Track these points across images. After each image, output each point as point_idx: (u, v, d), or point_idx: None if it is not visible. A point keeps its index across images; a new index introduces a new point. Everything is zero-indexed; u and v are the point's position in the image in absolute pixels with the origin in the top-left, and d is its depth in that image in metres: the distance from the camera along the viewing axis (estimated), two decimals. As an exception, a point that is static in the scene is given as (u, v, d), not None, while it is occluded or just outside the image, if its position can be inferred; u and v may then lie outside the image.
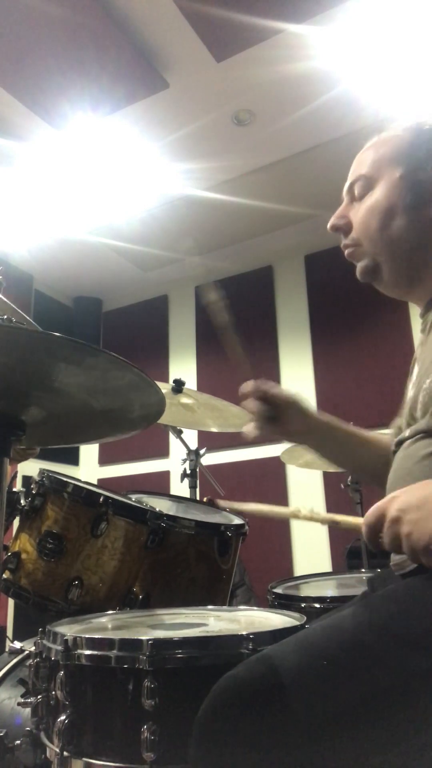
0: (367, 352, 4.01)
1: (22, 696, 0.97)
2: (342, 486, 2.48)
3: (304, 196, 3.87)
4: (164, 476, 4.42)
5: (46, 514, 1.35)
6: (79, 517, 1.33)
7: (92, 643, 0.83)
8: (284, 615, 1.05)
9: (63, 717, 0.80)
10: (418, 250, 0.97)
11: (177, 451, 4.12)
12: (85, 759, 0.79)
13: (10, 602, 3.76)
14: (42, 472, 1.40)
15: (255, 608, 1.25)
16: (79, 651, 0.83)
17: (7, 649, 1.36)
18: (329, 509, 3.83)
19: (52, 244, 4.34)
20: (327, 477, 3.86)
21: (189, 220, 4.17)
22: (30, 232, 4.18)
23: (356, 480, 2.44)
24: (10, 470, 1.08)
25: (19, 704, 0.96)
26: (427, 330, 0.99)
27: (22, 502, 1.39)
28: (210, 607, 1.27)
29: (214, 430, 2.23)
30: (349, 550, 3.21)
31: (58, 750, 0.80)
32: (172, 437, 2.33)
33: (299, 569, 3.84)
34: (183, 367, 4.71)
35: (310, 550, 3.87)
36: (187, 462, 2.25)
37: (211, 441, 3.17)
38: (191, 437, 3.44)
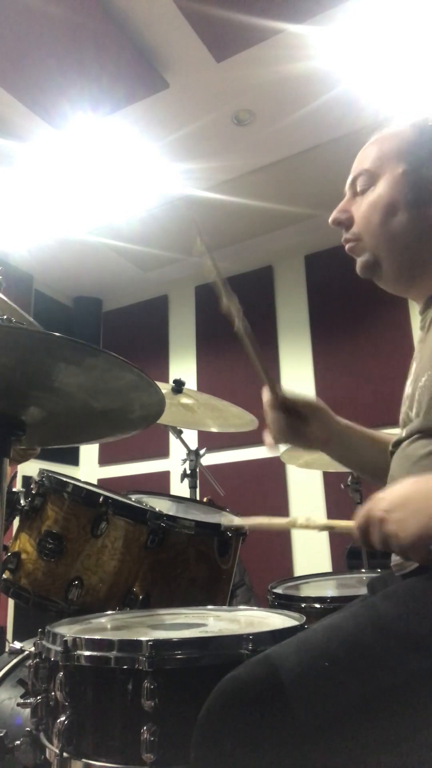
0: (367, 352, 4.01)
1: (21, 696, 0.96)
2: (342, 486, 2.48)
3: (304, 196, 3.87)
4: (164, 476, 4.41)
5: (46, 514, 1.35)
6: (79, 517, 1.33)
7: (92, 644, 0.83)
8: (284, 615, 1.05)
9: (63, 718, 0.80)
10: (418, 247, 0.96)
11: (177, 451, 4.12)
12: (84, 760, 0.79)
13: (10, 602, 3.76)
14: (42, 472, 1.40)
15: (255, 608, 1.25)
16: (79, 652, 0.83)
17: (7, 650, 1.36)
18: (329, 509, 3.83)
19: (52, 244, 4.34)
20: (327, 477, 3.86)
21: (189, 220, 4.17)
22: (30, 232, 4.18)
23: (356, 480, 2.44)
24: (10, 470, 1.08)
25: (18, 705, 0.96)
26: (427, 327, 0.99)
27: (22, 502, 1.39)
28: (210, 607, 1.27)
29: (214, 430, 2.23)
30: (349, 551, 3.21)
31: (57, 751, 0.80)
32: (172, 437, 2.33)
33: (299, 569, 3.84)
34: (183, 367, 4.71)
35: (310, 550, 3.87)
36: (187, 462, 2.25)
37: (211, 441, 3.17)
38: (191, 437, 3.44)
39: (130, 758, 0.76)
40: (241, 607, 1.55)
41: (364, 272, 1.02)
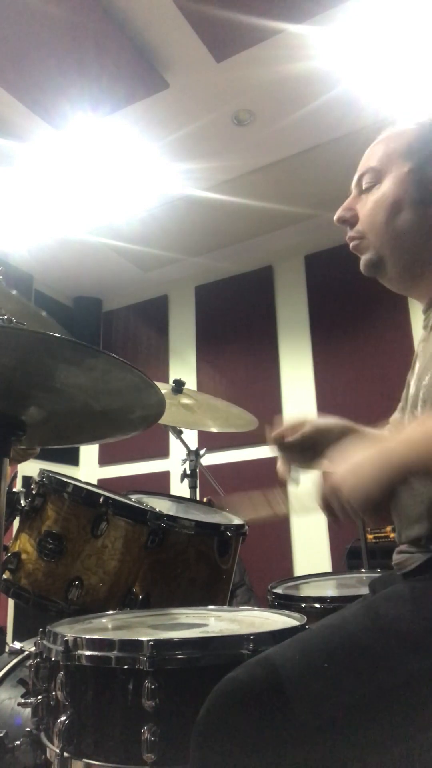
0: (367, 352, 4.01)
1: (22, 696, 0.96)
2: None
3: (304, 196, 3.87)
4: (164, 476, 4.41)
5: (46, 515, 1.35)
6: (79, 517, 1.33)
7: (92, 644, 0.83)
8: (284, 615, 1.05)
9: (63, 717, 0.80)
10: (422, 246, 0.96)
11: (177, 451, 4.12)
12: (85, 760, 0.79)
13: (10, 602, 3.76)
14: (42, 472, 1.40)
15: (255, 608, 1.25)
16: (80, 652, 0.83)
17: (7, 650, 1.36)
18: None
19: (52, 244, 4.34)
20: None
21: (189, 220, 4.17)
22: (30, 232, 4.18)
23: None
24: (10, 470, 1.08)
25: (19, 704, 0.96)
26: (429, 326, 0.99)
27: (22, 502, 1.39)
28: (210, 607, 1.27)
29: (214, 430, 2.23)
30: (349, 550, 3.21)
31: (58, 750, 0.80)
32: (172, 437, 2.33)
33: (299, 569, 3.84)
34: (183, 367, 4.71)
35: (310, 550, 3.87)
36: (187, 462, 2.25)
37: (211, 441, 3.17)
38: (191, 437, 3.44)
39: (130, 758, 0.76)
40: (242, 607, 1.55)
41: (367, 270, 1.02)
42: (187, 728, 0.69)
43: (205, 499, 2.38)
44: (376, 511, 0.76)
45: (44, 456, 3.48)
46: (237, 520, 1.59)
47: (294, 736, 0.65)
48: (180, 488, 2.23)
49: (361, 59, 2.82)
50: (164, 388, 2.17)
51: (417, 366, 1.00)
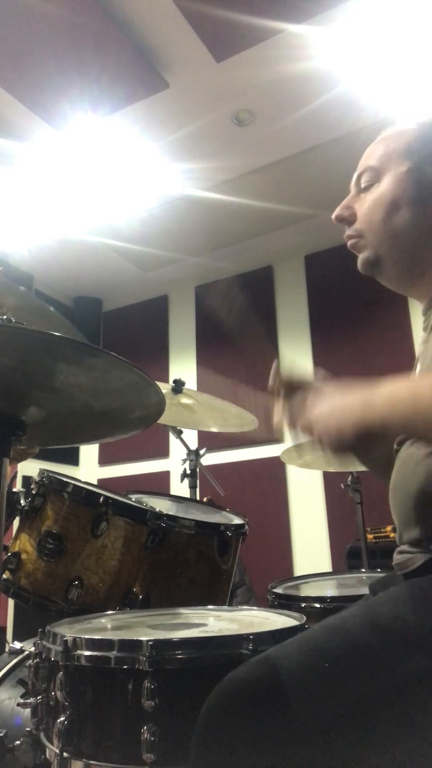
0: (367, 352, 4.01)
1: (21, 696, 0.96)
2: (342, 486, 2.48)
3: (304, 196, 3.87)
4: (164, 476, 4.41)
5: (46, 514, 1.35)
6: (79, 517, 1.33)
7: (92, 644, 0.83)
8: (284, 615, 1.05)
9: (63, 718, 0.80)
10: (420, 245, 0.96)
11: (177, 451, 4.12)
12: (84, 760, 0.79)
13: (10, 602, 3.76)
14: (42, 472, 1.40)
15: (255, 608, 1.25)
16: (79, 652, 0.83)
17: (7, 650, 1.36)
18: (329, 509, 3.83)
19: (52, 244, 4.34)
20: (327, 477, 3.86)
21: (189, 220, 4.17)
22: (30, 232, 4.18)
23: (356, 480, 2.44)
24: (10, 470, 1.08)
25: (18, 705, 0.96)
26: (429, 328, 0.99)
27: (22, 502, 1.39)
28: (210, 607, 1.27)
29: (214, 430, 2.23)
30: (349, 550, 3.21)
31: (57, 751, 0.80)
32: (172, 437, 2.33)
33: (299, 569, 3.84)
34: (183, 367, 4.71)
35: (310, 550, 3.87)
36: (187, 462, 2.25)
37: (211, 441, 3.17)
38: (191, 437, 3.44)
39: (130, 758, 0.76)
40: (241, 607, 1.55)
41: (365, 269, 1.02)
42: (186, 728, 0.69)
43: (205, 499, 2.38)
44: (343, 452, 0.81)
45: (44, 456, 3.48)
46: (237, 520, 1.59)
47: (294, 735, 0.65)
48: (180, 488, 2.23)
49: (361, 59, 2.82)
50: (164, 388, 2.17)
51: (417, 368, 1.00)
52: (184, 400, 2.22)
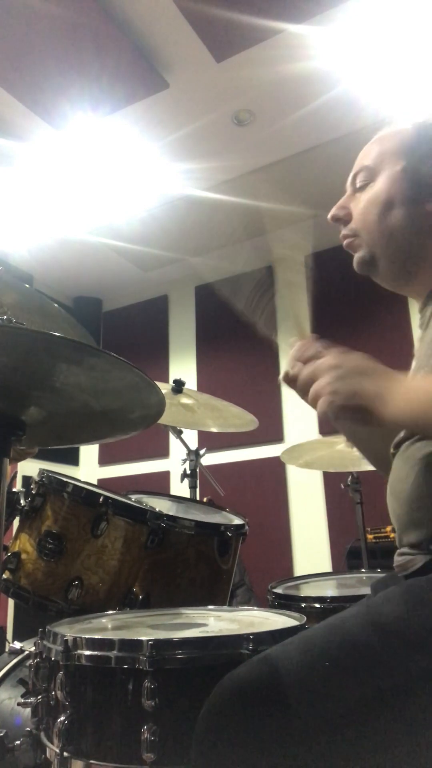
0: (367, 352, 3.99)
1: (22, 696, 0.97)
2: (342, 486, 2.48)
3: (304, 196, 3.87)
4: (164, 476, 4.41)
5: (46, 514, 1.35)
6: (79, 517, 1.33)
7: (92, 644, 0.83)
8: (284, 615, 1.05)
9: (63, 717, 0.80)
10: (415, 244, 0.96)
11: (177, 451, 4.12)
12: (84, 759, 0.79)
13: (10, 602, 3.76)
14: (42, 472, 1.40)
15: (255, 608, 1.25)
16: (79, 651, 0.83)
17: (7, 649, 1.36)
18: (329, 509, 3.83)
19: (52, 244, 4.34)
20: (327, 477, 3.86)
21: (189, 220, 4.17)
22: (30, 232, 4.18)
23: (356, 480, 2.44)
24: (10, 470, 1.08)
25: (19, 704, 0.96)
26: (425, 325, 0.99)
27: (22, 502, 1.39)
28: (210, 607, 1.27)
29: (214, 430, 2.23)
30: (349, 550, 3.21)
31: (57, 750, 0.80)
32: (172, 437, 2.33)
33: (299, 569, 3.84)
34: (183, 367, 4.71)
35: (310, 550, 3.87)
36: (187, 462, 2.25)
37: (211, 441, 3.17)
38: (191, 437, 3.44)
39: (130, 758, 0.76)
40: (242, 607, 1.55)
41: (360, 268, 1.02)
42: (186, 728, 0.69)
43: (205, 499, 2.38)
44: (336, 421, 0.79)
45: (44, 456, 3.48)
46: (237, 520, 1.59)
47: (295, 735, 0.65)
48: (180, 488, 2.23)
49: (361, 59, 2.82)
50: (164, 388, 2.17)
51: (414, 365, 1.00)
52: (184, 400, 2.22)
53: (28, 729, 0.91)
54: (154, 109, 3.12)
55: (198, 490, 2.27)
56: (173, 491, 3.49)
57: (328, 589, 1.64)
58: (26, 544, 1.35)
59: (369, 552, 2.52)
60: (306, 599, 1.38)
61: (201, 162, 3.55)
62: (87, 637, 0.84)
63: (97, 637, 0.86)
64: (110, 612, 1.20)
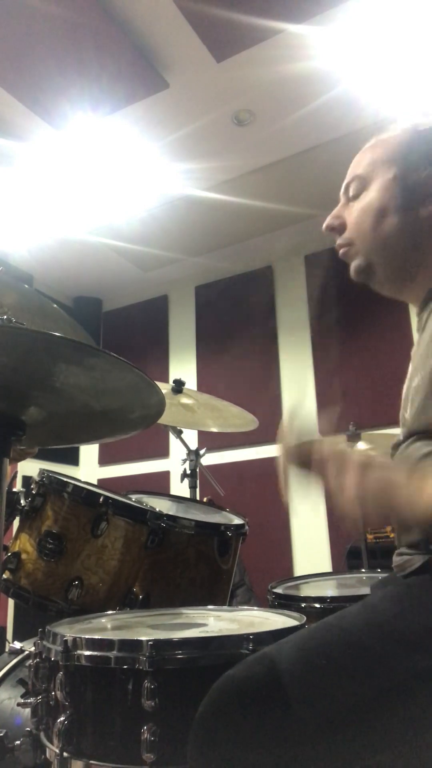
0: (367, 352, 4.01)
1: (22, 696, 0.97)
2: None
3: (304, 196, 3.87)
4: (164, 476, 4.41)
5: (46, 514, 1.35)
6: (79, 517, 1.33)
7: (92, 644, 0.83)
8: (284, 615, 1.05)
9: (63, 717, 0.80)
10: (410, 250, 0.97)
11: (177, 451, 4.12)
12: (84, 760, 0.79)
13: (10, 602, 3.76)
14: (42, 472, 1.40)
15: (255, 608, 1.25)
16: (79, 652, 0.83)
17: (7, 650, 1.36)
18: (329, 509, 3.82)
19: (52, 244, 4.34)
20: (327, 477, 3.85)
21: (189, 220, 4.17)
22: (30, 232, 4.18)
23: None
24: (10, 470, 1.08)
25: (19, 704, 0.97)
26: (422, 328, 0.99)
27: (22, 502, 1.39)
28: (210, 607, 1.27)
29: (214, 430, 2.23)
30: (349, 550, 3.21)
31: (57, 750, 0.80)
32: (172, 437, 2.33)
33: (299, 569, 3.84)
34: (183, 367, 4.71)
35: (310, 550, 3.87)
36: (187, 462, 2.25)
37: (211, 441, 3.17)
38: (191, 437, 3.44)
39: (130, 758, 0.76)
40: (241, 607, 1.55)
41: (357, 276, 1.04)
42: (186, 728, 0.69)
43: (205, 499, 2.38)
44: (365, 522, 0.75)
45: (44, 456, 3.48)
46: (237, 520, 1.59)
47: (292, 734, 0.65)
48: (180, 488, 2.23)
49: (361, 59, 2.82)
50: (164, 388, 2.17)
51: (410, 369, 1.00)
52: (184, 400, 2.22)
53: (28, 729, 0.91)
54: (154, 109, 3.12)
55: (198, 490, 2.27)
56: (173, 491, 3.49)
57: (328, 589, 1.64)
58: (26, 544, 1.35)
59: (369, 552, 2.52)
60: (306, 599, 1.38)
61: (201, 162, 3.55)
62: (87, 637, 0.84)
63: (96, 637, 0.86)
64: (110, 612, 1.20)
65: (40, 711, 0.88)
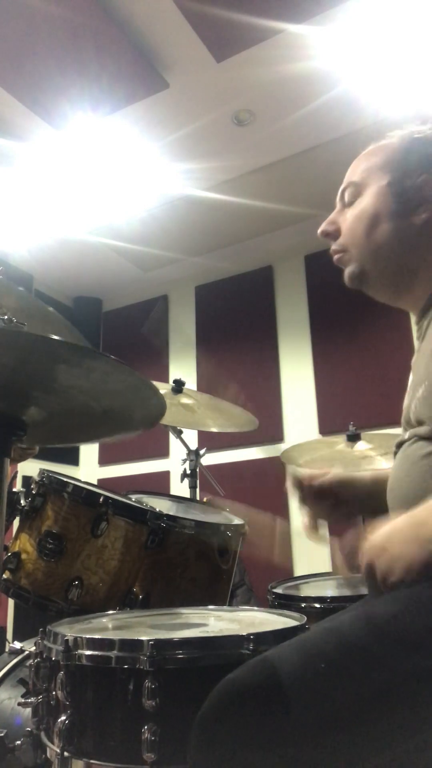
0: (367, 353, 4.01)
1: (22, 696, 0.97)
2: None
3: (304, 196, 3.87)
4: (164, 476, 4.41)
5: (46, 514, 1.35)
6: (79, 517, 1.33)
7: (92, 644, 0.83)
8: (284, 615, 1.05)
9: (63, 717, 0.80)
10: (403, 257, 0.97)
11: (177, 451, 4.12)
12: (85, 759, 0.79)
13: (10, 602, 3.76)
14: (42, 472, 1.41)
15: (255, 608, 1.25)
16: (80, 651, 0.83)
17: (7, 649, 1.36)
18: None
19: (52, 244, 4.34)
20: (327, 477, 3.85)
21: (189, 220, 4.17)
22: (30, 232, 4.18)
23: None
24: (10, 470, 1.08)
25: (19, 704, 0.97)
26: (422, 337, 1.00)
27: (22, 502, 1.39)
28: (210, 607, 1.27)
29: (214, 430, 2.24)
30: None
31: (58, 750, 0.80)
32: (172, 437, 2.33)
33: (299, 569, 3.84)
34: (183, 367, 4.71)
35: (310, 550, 3.87)
36: (187, 462, 2.25)
37: (211, 441, 3.17)
38: (191, 437, 3.44)
39: (130, 758, 0.76)
40: (242, 607, 1.55)
41: (351, 282, 1.04)
42: (187, 728, 0.69)
43: (205, 499, 2.38)
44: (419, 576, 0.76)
45: (44, 456, 3.48)
46: (237, 520, 1.59)
47: (293, 736, 0.65)
48: (180, 488, 2.23)
49: (361, 59, 2.82)
50: (164, 388, 2.17)
51: (411, 378, 1.01)
52: (184, 400, 2.22)
53: (29, 729, 0.91)
54: (154, 109, 3.12)
55: (198, 490, 2.27)
56: (173, 491, 3.49)
57: (328, 589, 1.65)
58: (26, 544, 1.35)
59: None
60: (306, 599, 1.38)
61: (201, 162, 3.55)
62: (87, 637, 0.84)
63: (97, 637, 0.86)
64: (110, 612, 1.20)
65: (41, 711, 0.89)
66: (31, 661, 0.92)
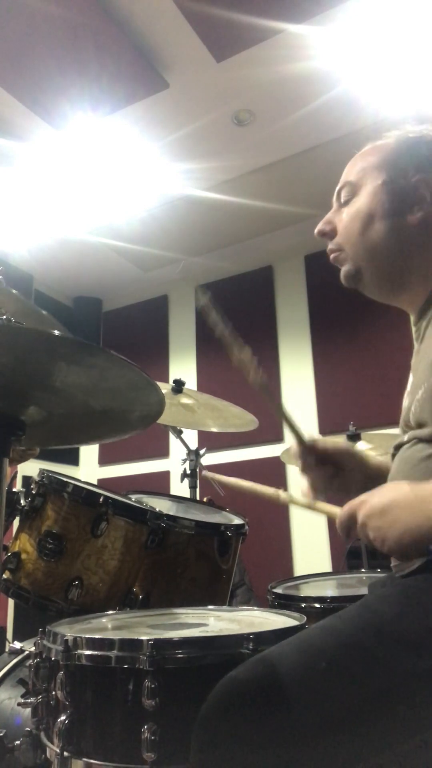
0: (367, 352, 4.01)
1: (22, 696, 0.97)
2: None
3: (304, 196, 3.87)
4: (164, 476, 4.41)
5: (46, 514, 1.35)
6: (79, 517, 1.33)
7: (92, 644, 0.83)
8: (284, 615, 1.05)
9: (63, 717, 0.80)
10: (398, 256, 0.97)
11: (177, 451, 4.12)
12: (85, 759, 0.79)
13: (10, 602, 3.76)
14: (42, 472, 1.40)
15: (255, 608, 1.25)
16: (80, 651, 0.83)
17: (7, 649, 1.36)
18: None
19: (52, 244, 4.34)
20: (327, 477, 3.85)
21: (189, 220, 4.17)
22: (30, 232, 4.18)
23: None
24: (10, 471, 1.08)
25: (19, 704, 0.97)
26: (420, 339, 1.00)
27: (22, 502, 1.39)
28: (210, 607, 1.27)
29: (214, 430, 2.23)
30: (349, 550, 3.20)
31: (58, 750, 0.80)
32: (172, 437, 2.33)
33: (299, 569, 3.84)
34: (183, 367, 4.71)
35: (310, 550, 3.87)
36: (187, 462, 2.25)
37: (211, 441, 3.17)
38: (191, 437, 3.44)
39: (130, 757, 0.76)
40: (242, 607, 1.55)
41: (347, 281, 1.04)
42: (187, 727, 0.69)
43: (205, 499, 2.38)
44: (407, 552, 0.76)
45: (44, 456, 3.48)
46: (237, 520, 1.59)
47: (294, 735, 0.65)
48: (180, 488, 2.23)
49: (361, 59, 2.82)
50: (164, 388, 2.17)
51: (410, 379, 1.00)
52: (184, 400, 2.22)
53: (28, 729, 0.91)
54: (154, 109, 3.12)
55: (198, 490, 2.27)
56: (173, 491, 3.49)
57: (328, 589, 1.64)
58: (26, 544, 1.35)
59: (369, 552, 2.52)
60: (306, 599, 1.38)
61: (201, 162, 3.55)
62: (87, 636, 0.84)
63: (97, 636, 0.86)
64: (110, 612, 1.20)
65: (41, 711, 0.88)
66: (31, 661, 0.92)
